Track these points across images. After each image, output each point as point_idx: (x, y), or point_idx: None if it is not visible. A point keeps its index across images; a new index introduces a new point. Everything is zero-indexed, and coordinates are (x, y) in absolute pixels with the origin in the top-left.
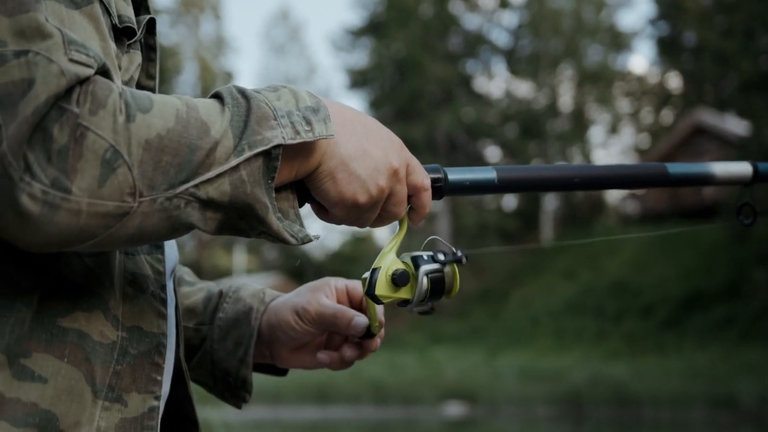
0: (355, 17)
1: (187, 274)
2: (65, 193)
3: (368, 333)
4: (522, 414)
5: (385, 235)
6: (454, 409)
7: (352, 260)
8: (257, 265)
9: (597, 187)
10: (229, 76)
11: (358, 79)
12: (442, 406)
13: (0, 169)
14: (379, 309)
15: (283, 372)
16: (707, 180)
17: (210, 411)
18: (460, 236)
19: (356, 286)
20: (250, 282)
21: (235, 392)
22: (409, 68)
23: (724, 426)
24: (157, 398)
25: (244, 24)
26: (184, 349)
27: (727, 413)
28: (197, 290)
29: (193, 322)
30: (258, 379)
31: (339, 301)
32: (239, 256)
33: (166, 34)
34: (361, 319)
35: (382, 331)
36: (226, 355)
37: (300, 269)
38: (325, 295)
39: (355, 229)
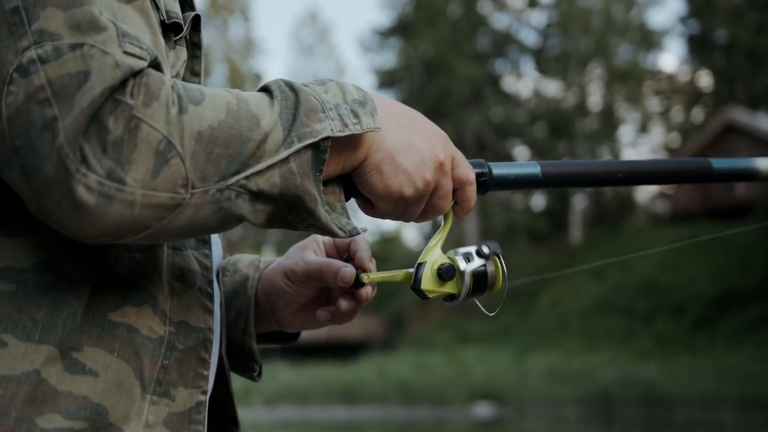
0: (383, 18)
1: None
2: (120, 184)
3: (357, 282)
4: (551, 414)
5: (414, 235)
6: (483, 410)
7: (381, 260)
8: None
9: (641, 182)
10: (257, 78)
11: (387, 80)
12: (471, 407)
13: (57, 160)
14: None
15: (293, 337)
16: (752, 175)
17: (240, 411)
18: (488, 236)
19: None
20: (247, 254)
21: (244, 364)
22: (438, 68)
23: (756, 427)
24: (204, 393)
25: (272, 25)
26: None
27: (759, 414)
28: None
29: None
30: (287, 380)
31: (328, 254)
32: (268, 257)
33: None
34: (347, 269)
35: (373, 277)
36: (230, 328)
37: None
38: (312, 251)
39: (384, 229)
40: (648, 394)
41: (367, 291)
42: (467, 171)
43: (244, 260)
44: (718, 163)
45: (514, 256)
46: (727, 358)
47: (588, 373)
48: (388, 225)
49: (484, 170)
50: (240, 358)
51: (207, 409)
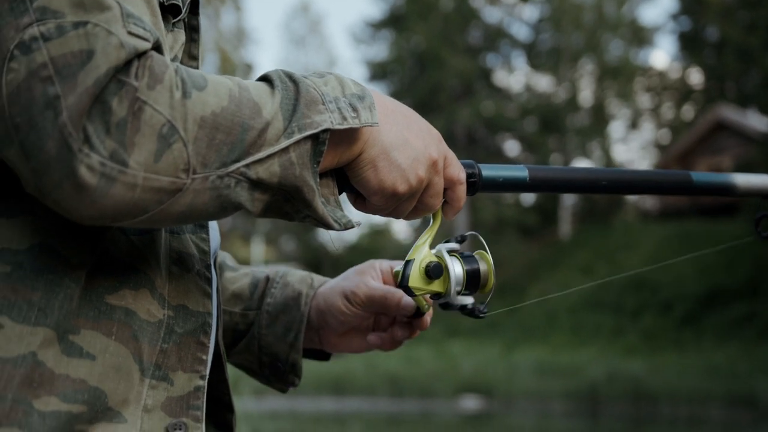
0: (375, 10)
1: (228, 259)
2: (122, 166)
3: (418, 312)
4: (538, 409)
5: (403, 228)
6: (470, 403)
7: (371, 253)
8: (275, 256)
9: (623, 191)
10: (249, 68)
11: (378, 72)
12: (458, 400)
13: (59, 139)
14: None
15: (326, 356)
16: (728, 190)
17: None
18: (478, 230)
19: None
20: (295, 268)
21: (282, 376)
22: (429, 61)
23: (742, 424)
24: (203, 378)
25: (264, 16)
26: (230, 333)
27: (745, 412)
28: (242, 275)
29: (240, 307)
30: None
31: (385, 283)
32: (257, 247)
33: None
34: (409, 299)
35: (431, 309)
36: (276, 339)
37: (317, 261)
38: (371, 277)
39: (373, 221)
40: (635, 390)
41: (427, 321)
42: (458, 171)
43: (295, 275)
44: (698, 176)
45: (503, 249)
46: (714, 354)
47: (575, 368)
48: (378, 218)
49: (474, 171)
50: (278, 371)
51: (205, 394)
